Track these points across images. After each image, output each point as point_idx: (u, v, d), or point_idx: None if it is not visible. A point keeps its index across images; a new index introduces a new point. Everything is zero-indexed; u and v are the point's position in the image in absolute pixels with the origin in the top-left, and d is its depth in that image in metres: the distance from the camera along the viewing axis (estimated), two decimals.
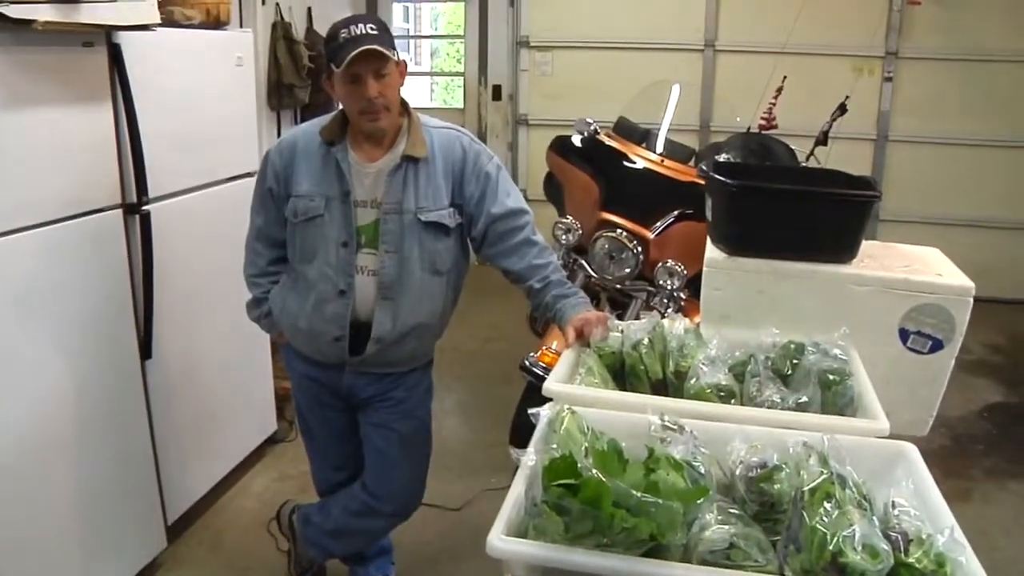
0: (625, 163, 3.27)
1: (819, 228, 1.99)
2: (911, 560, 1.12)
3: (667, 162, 3.23)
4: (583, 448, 1.31)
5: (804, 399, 1.63)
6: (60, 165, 2.21)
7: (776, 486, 1.29)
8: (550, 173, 3.63)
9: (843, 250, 2.01)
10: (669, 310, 2.92)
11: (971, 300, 1.92)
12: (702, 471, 1.30)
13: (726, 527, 1.20)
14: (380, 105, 1.98)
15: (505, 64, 6.33)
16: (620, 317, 2.53)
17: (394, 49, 1.97)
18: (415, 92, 8.31)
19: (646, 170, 3.22)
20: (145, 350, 2.59)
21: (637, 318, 2.63)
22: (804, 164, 3.49)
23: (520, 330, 3.80)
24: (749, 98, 3.78)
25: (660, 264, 2.97)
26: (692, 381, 1.70)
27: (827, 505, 1.16)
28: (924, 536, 1.16)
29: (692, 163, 3.30)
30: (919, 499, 1.29)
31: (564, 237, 3.21)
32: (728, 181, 2.03)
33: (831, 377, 1.69)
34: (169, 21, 2.64)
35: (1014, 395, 4.41)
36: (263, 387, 3.44)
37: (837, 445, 1.30)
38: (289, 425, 3.62)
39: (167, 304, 2.64)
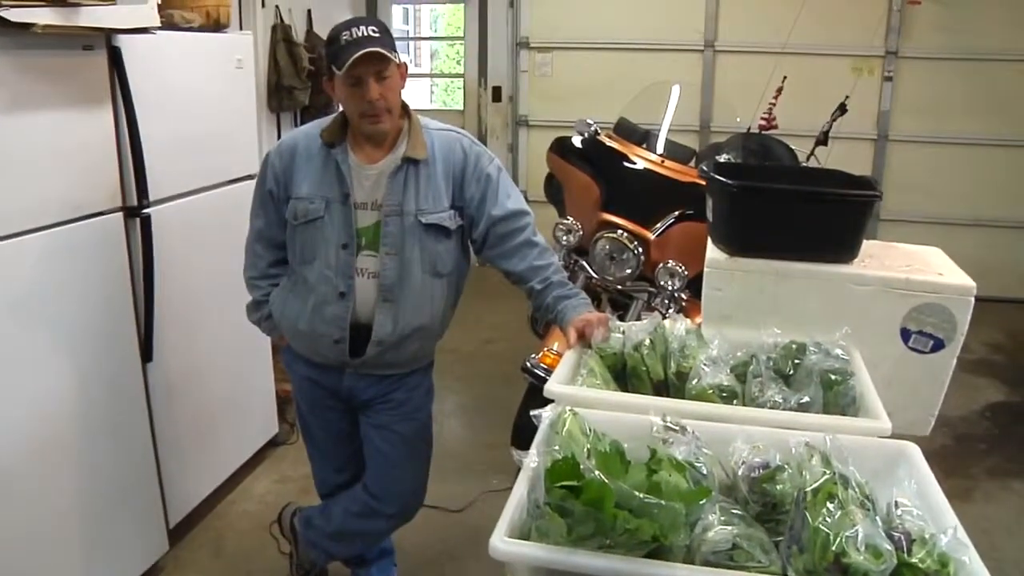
0: (625, 164, 3.27)
1: (820, 228, 1.99)
2: (914, 560, 1.12)
3: (667, 163, 3.23)
4: (585, 449, 1.31)
5: (806, 399, 1.62)
6: (60, 168, 2.21)
7: (778, 486, 1.29)
8: (550, 174, 3.64)
9: (844, 250, 2.01)
10: (670, 311, 2.92)
11: (972, 299, 1.91)
12: (704, 472, 1.30)
13: (729, 528, 1.19)
14: (381, 107, 1.98)
15: (505, 65, 6.33)
16: (621, 318, 2.53)
17: (395, 51, 1.98)
18: (415, 94, 8.33)
19: (646, 171, 3.22)
20: (146, 353, 2.59)
21: (638, 319, 2.63)
22: (804, 164, 3.49)
23: (521, 331, 3.80)
24: (749, 98, 3.78)
25: (661, 265, 2.97)
26: (694, 382, 1.70)
27: (830, 505, 1.16)
28: (927, 536, 1.16)
29: (692, 164, 3.30)
30: (922, 499, 1.29)
31: (565, 238, 3.21)
32: (729, 182, 2.02)
33: (833, 377, 1.69)
34: (169, 24, 2.64)
35: (1015, 394, 4.41)
36: (264, 390, 3.44)
37: (839, 445, 1.30)
38: (290, 427, 3.62)
39: (168, 307, 2.64)
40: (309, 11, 5.31)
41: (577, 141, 3.43)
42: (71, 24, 2.09)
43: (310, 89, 5.04)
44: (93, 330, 2.38)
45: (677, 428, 1.39)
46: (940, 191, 5.79)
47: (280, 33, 4.95)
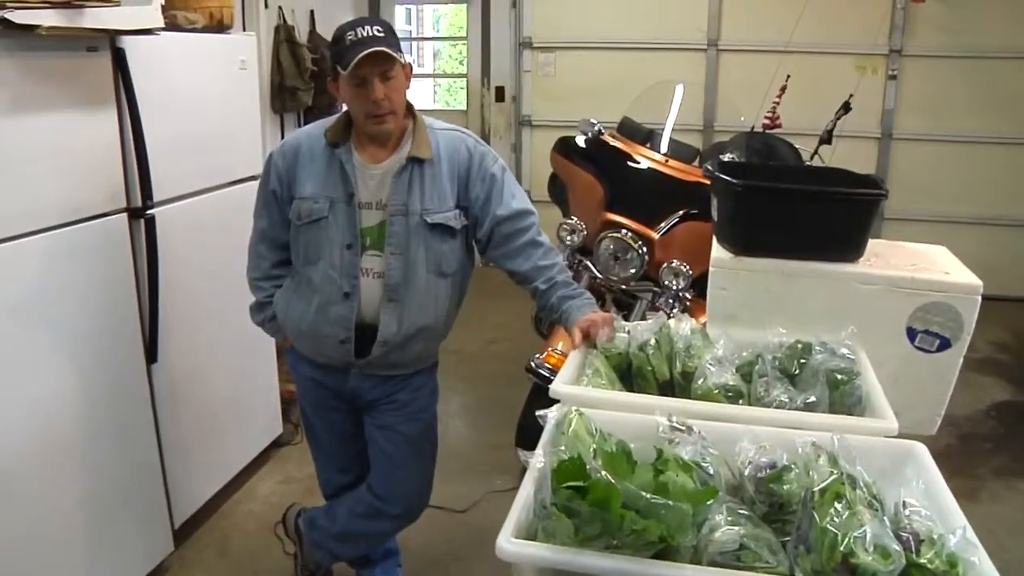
0: (629, 163, 3.26)
1: (826, 227, 1.99)
2: (923, 560, 1.12)
3: (671, 162, 3.23)
4: (591, 450, 1.31)
5: (812, 399, 1.62)
6: (65, 170, 2.21)
7: (785, 486, 1.29)
8: (554, 174, 3.64)
9: (850, 249, 2.01)
10: (675, 310, 2.91)
11: (979, 298, 1.91)
12: (711, 472, 1.30)
13: (736, 528, 1.19)
14: (386, 108, 1.98)
15: (508, 65, 6.33)
16: (625, 318, 2.52)
17: (400, 51, 1.97)
18: (418, 94, 8.32)
19: (650, 170, 3.22)
20: (150, 354, 2.59)
21: (643, 319, 2.62)
22: (808, 163, 3.49)
23: (525, 332, 3.80)
24: (753, 97, 3.78)
25: (665, 264, 2.97)
26: (699, 381, 1.70)
27: (837, 505, 1.16)
28: (935, 536, 1.16)
29: (696, 163, 3.30)
30: (929, 499, 1.29)
31: (569, 238, 3.21)
32: (734, 181, 2.02)
33: (839, 377, 1.69)
34: (172, 25, 2.64)
35: (1021, 393, 4.39)
36: (268, 390, 3.43)
37: (847, 445, 1.29)
38: (294, 428, 3.62)
39: (172, 308, 2.64)
40: (312, 12, 5.32)
41: (581, 141, 3.43)
42: (75, 26, 2.09)
43: (313, 90, 5.04)
44: (97, 331, 2.38)
45: (683, 428, 1.39)
46: (945, 189, 5.78)
47: (283, 34, 4.95)
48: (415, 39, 9.97)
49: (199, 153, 2.80)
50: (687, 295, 2.98)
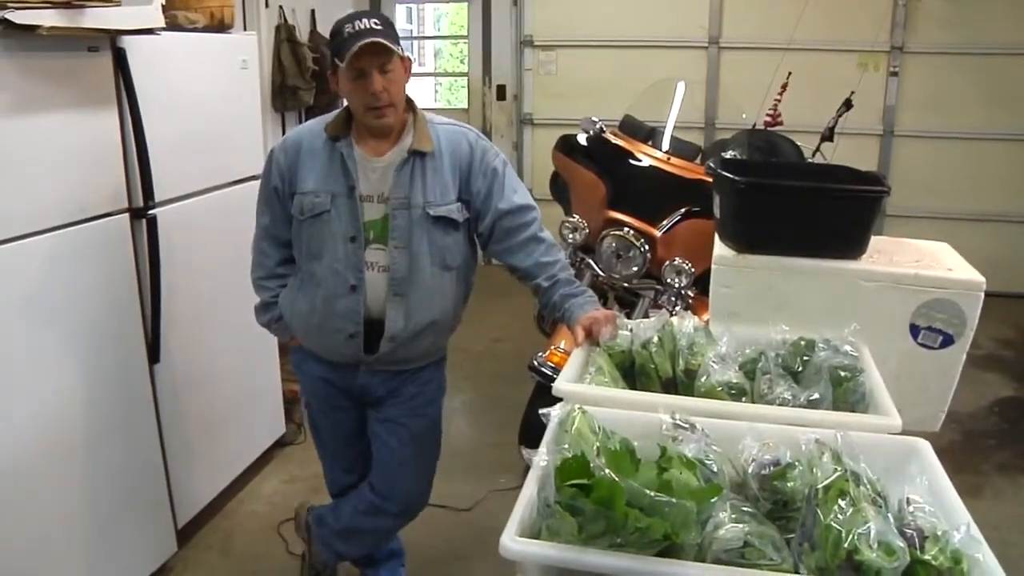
0: (631, 161, 3.26)
1: (828, 224, 1.98)
2: (927, 557, 1.12)
3: (673, 160, 3.23)
4: (595, 448, 1.31)
5: (815, 396, 1.62)
6: (66, 170, 2.21)
7: (789, 484, 1.29)
8: (556, 172, 3.63)
9: (852, 246, 2.00)
10: (677, 308, 2.91)
11: (982, 295, 1.91)
12: (715, 469, 1.30)
13: (740, 526, 1.19)
14: (385, 100, 1.98)
15: (509, 64, 6.33)
16: (628, 316, 2.53)
17: (399, 44, 1.97)
18: (419, 93, 8.32)
19: (652, 168, 3.22)
20: (153, 354, 2.59)
21: (645, 316, 2.63)
22: (810, 160, 3.48)
23: (528, 330, 3.79)
24: (754, 95, 3.78)
25: (667, 262, 2.97)
26: (702, 379, 1.70)
27: (841, 502, 1.15)
28: (939, 533, 1.15)
29: (698, 161, 3.30)
30: (933, 495, 1.29)
31: (571, 236, 3.21)
32: (736, 178, 2.02)
33: (842, 374, 1.69)
34: (173, 25, 2.64)
35: None
36: (271, 390, 3.44)
37: (850, 442, 1.29)
38: (298, 428, 3.62)
39: (174, 308, 2.64)
40: (313, 11, 5.32)
41: (582, 139, 3.43)
42: (76, 26, 2.09)
43: (314, 89, 5.04)
44: (100, 331, 2.38)
45: (686, 426, 1.39)
46: (947, 186, 5.77)
47: (284, 33, 4.96)
48: (416, 38, 9.97)
49: (200, 153, 2.80)
50: (690, 293, 2.98)
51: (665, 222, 3.04)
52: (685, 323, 1.86)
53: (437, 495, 2.45)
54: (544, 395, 2.57)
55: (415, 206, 2.06)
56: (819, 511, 1.16)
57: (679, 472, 1.24)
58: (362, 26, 1.93)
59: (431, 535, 2.84)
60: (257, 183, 2.26)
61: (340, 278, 2.09)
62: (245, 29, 4.39)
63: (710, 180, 2.21)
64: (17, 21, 1.90)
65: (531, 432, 3.01)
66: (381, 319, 2.11)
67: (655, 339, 1.82)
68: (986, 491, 3.35)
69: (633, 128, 3.45)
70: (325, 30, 4.64)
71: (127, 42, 2.35)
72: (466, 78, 6.74)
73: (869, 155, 5.71)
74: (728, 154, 3.28)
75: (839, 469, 1.22)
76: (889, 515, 1.17)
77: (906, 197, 5.52)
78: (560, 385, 1.63)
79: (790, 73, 3.73)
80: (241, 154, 3.06)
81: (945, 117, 5.68)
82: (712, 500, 1.19)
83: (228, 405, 3.08)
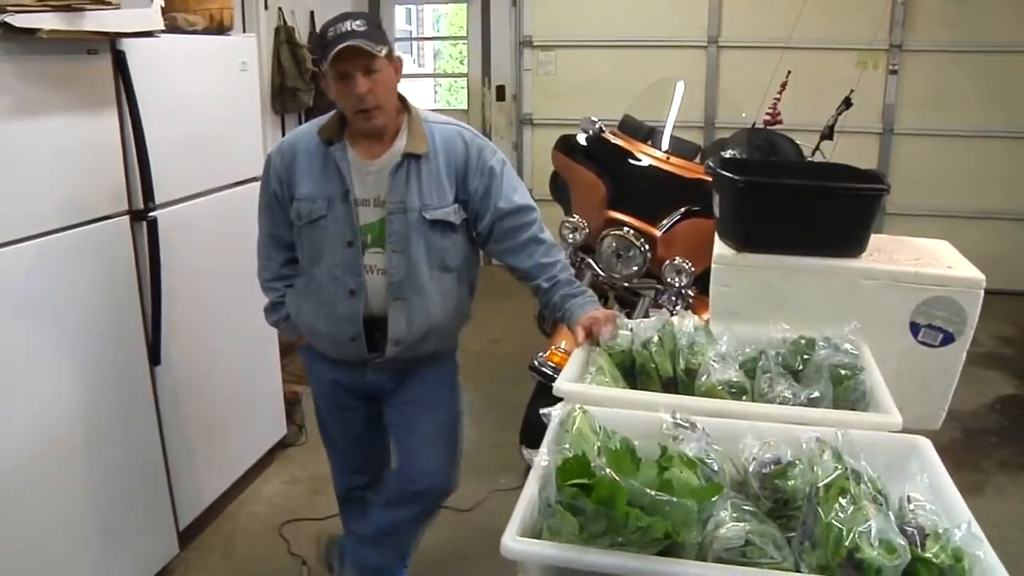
0: (631, 161, 3.26)
1: (828, 223, 1.98)
2: (928, 555, 1.12)
3: (673, 159, 3.23)
4: (596, 447, 1.30)
5: (816, 394, 1.62)
6: (66, 173, 2.22)
7: (790, 482, 1.29)
8: (556, 172, 3.64)
9: (852, 244, 2.00)
10: (678, 307, 2.91)
11: (982, 292, 1.90)
12: (715, 468, 1.30)
13: (741, 524, 1.19)
14: (371, 103, 1.95)
15: (508, 64, 6.33)
16: (628, 316, 2.53)
17: (384, 45, 1.93)
18: (419, 94, 8.32)
19: (652, 168, 3.22)
20: (154, 356, 2.59)
21: (646, 316, 2.63)
22: (810, 159, 3.49)
23: (528, 330, 3.79)
24: (753, 94, 3.78)
25: (668, 262, 2.97)
26: (703, 378, 1.70)
27: (842, 500, 1.15)
28: (940, 531, 1.16)
29: (698, 160, 3.30)
30: (934, 493, 1.29)
31: (571, 236, 3.21)
32: (736, 177, 2.02)
33: (842, 372, 1.69)
34: (173, 27, 2.64)
35: None
36: (272, 391, 3.44)
37: (851, 440, 1.29)
38: (299, 429, 3.62)
39: (175, 309, 2.65)
40: (312, 13, 5.32)
41: (582, 139, 3.43)
42: (76, 29, 2.09)
43: (314, 90, 5.05)
44: (101, 333, 2.38)
45: (687, 425, 1.39)
46: (946, 184, 5.77)
47: (283, 35, 4.96)
48: (415, 39, 9.98)
49: (200, 155, 2.80)
50: (690, 292, 2.99)
51: (665, 221, 3.04)
52: (685, 322, 1.86)
53: None
54: (545, 395, 2.57)
55: (411, 210, 2.05)
56: (820, 509, 1.16)
57: (680, 471, 1.24)
58: (345, 28, 1.90)
59: (433, 536, 2.82)
60: (257, 185, 2.27)
61: (339, 282, 2.09)
62: (244, 31, 4.39)
63: (710, 179, 2.21)
64: (17, 24, 1.91)
65: (532, 432, 3.01)
66: (384, 318, 2.11)
67: (655, 338, 1.82)
68: (987, 489, 3.35)
69: (633, 128, 3.45)
70: None
71: (127, 45, 2.36)
72: (465, 79, 6.75)
73: (869, 153, 5.71)
74: (728, 153, 3.28)
75: (840, 467, 1.22)
76: (890, 513, 1.18)
77: (906, 195, 5.52)
78: (561, 385, 1.63)
79: (789, 72, 3.73)
80: (241, 156, 3.06)
81: (945, 115, 5.68)
82: (713, 499, 1.19)
83: (229, 407, 3.08)
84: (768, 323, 1.86)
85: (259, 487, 3.31)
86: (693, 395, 1.69)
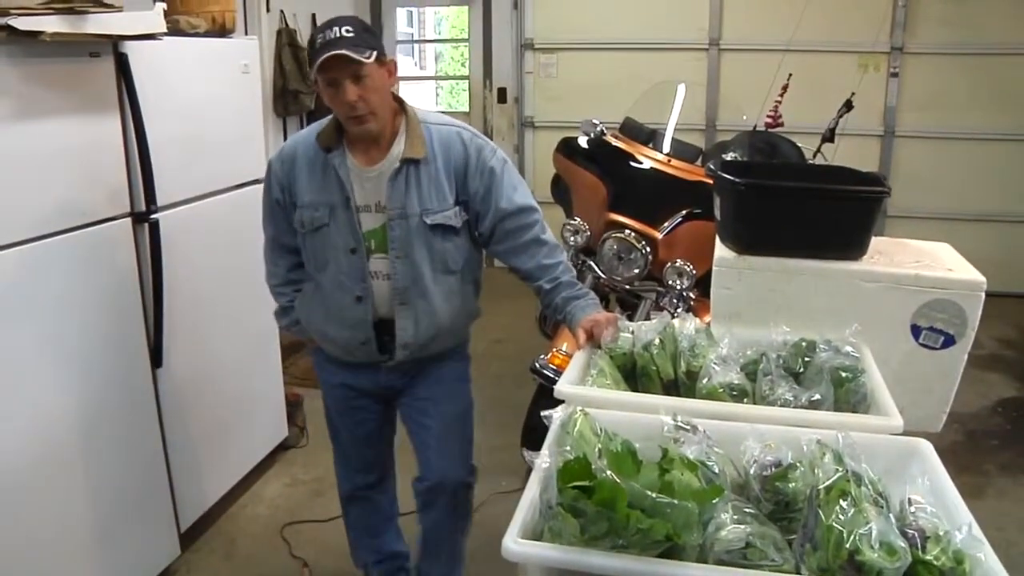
0: (632, 163, 3.26)
1: (829, 225, 1.98)
2: (929, 557, 1.12)
3: (674, 162, 3.23)
4: (597, 449, 1.30)
5: (817, 397, 1.62)
6: (68, 175, 2.22)
7: (791, 484, 1.29)
8: (557, 175, 3.64)
9: (853, 247, 2.00)
10: (679, 310, 2.92)
11: (983, 295, 1.90)
12: (716, 471, 1.30)
13: (742, 527, 1.19)
14: (362, 110, 1.93)
15: (510, 67, 6.34)
16: (630, 318, 2.53)
17: (373, 50, 1.90)
18: (420, 96, 8.33)
19: (653, 170, 3.22)
20: (156, 358, 2.60)
21: (647, 318, 2.62)
22: (811, 161, 3.48)
23: (529, 332, 3.79)
24: (755, 96, 3.78)
25: (669, 264, 2.97)
26: (704, 381, 1.70)
27: (843, 503, 1.15)
28: (941, 533, 1.15)
29: (699, 162, 3.30)
30: (935, 496, 1.28)
31: (572, 239, 3.21)
32: (737, 180, 2.02)
33: (843, 374, 1.69)
34: (175, 30, 2.65)
35: None
36: (274, 393, 3.44)
37: (852, 442, 1.29)
38: (300, 431, 3.63)
39: (177, 312, 2.65)
40: (314, 15, 5.33)
41: (583, 141, 3.43)
42: (79, 31, 2.10)
43: (316, 93, 5.05)
44: (102, 336, 2.38)
45: (688, 427, 1.39)
46: (947, 187, 5.78)
47: (285, 37, 4.98)
48: (417, 41, 9.99)
49: (202, 157, 2.81)
50: (691, 294, 2.98)
51: (666, 224, 3.04)
52: (686, 325, 1.86)
53: None
54: (546, 397, 2.57)
55: (412, 215, 2.04)
56: (821, 512, 1.16)
57: (681, 473, 1.24)
58: (332, 35, 1.87)
59: None
60: (258, 187, 2.27)
61: (346, 289, 2.10)
62: (246, 34, 4.40)
63: (711, 182, 2.20)
64: (20, 27, 1.91)
65: (533, 434, 3.01)
66: (393, 322, 2.12)
67: (656, 341, 1.82)
68: (988, 492, 3.35)
69: (634, 130, 3.45)
70: None
71: (129, 47, 2.36)
72: (467, 81, 6.76)
73: (870, 156, 5.72)
74: (729, 156, 3.28)
75: (840, 470, 1.22)
76: (891, 515, 1.17)
77: (907, 198, 5.53)
78: (562, 387, 1.63)
79: (790, 74, 3.73)
80: (243, 158, 3.07)
81: (946, 118, 5.69)
82: (714, 501, 1.19)
83: (230, 409, 3.09)
84: (769, 326, 1.86)
85: (260, 489, 3.31)
86: (694, 397, 1.69)
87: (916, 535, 1.15)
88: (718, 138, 5.03)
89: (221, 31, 2.91)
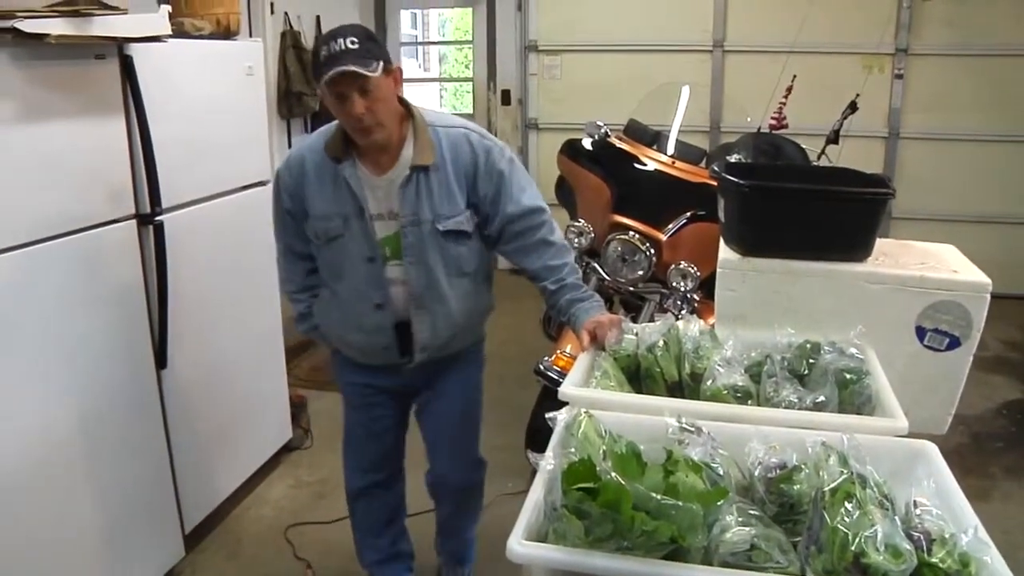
0: (636, 165, 3.27)
1: (833, 227, 1.98)
2: (935, 560, 1.11)
3: (678, 163, 3.23)
4: (601, 451, 1.31)
5: (821, 399, 1.62)
6: (73, 177, 2.23)
7: (796, 487, 1.29)
8: (561, 177, 3.64)
9: (858, 248, 2.00)
10: (683, 312, 2.91)
11: (988, 296, 1.90)
12: (721, 472, 1.30)
13: (746, 529, 1.19)
14: (369, 121, 1.92)
15: (514, 68, 6.34)
16: (634, 320, 2.53)
17: (378, 60, 1.88)
18: (424, 98, 8.35)
19: (657, 172, 3.22)
20: (160, 359, 2.60)
21: (651, 320, 2.62)
22: (816, 163, 3.48)
23: (534, 334, 3.80)
24: (759, 98, 3.77)
25: (673, 266, 2.97)
26: (708, 382, 1.70)
27: (848, 505, 1.15)
28: (947, 536, 1.15)
29: (703, 164, 3.30)
30: (941, 498, 1.28)
31: (576, 240, 3.21)
32: (741, 182, 2.02)
33: (848, 376, 1.68)
34: (180, 32, 2.65)
35: None
36: (278, 395, 3.44)
37: (857, 444, 1.29)
38: (305, 433, 3.63)
39: (181, 313, 2.65)
40: (318, 17, 5.34)
41: (587, 143, 3.43)
42: (84, 34, 2.10)
43: (319, 95, 5.06)
44: (107, 337, 2.39)
45: (692, 429, 1.39)
46: (952, 188, 5.76)
47: (289, 39, 4.99)
48: (421, 43, 10.00)
49: (207, 159, 2.81)
50: (695, 296, 2.98)
51: (670, 226, 3.04)
52: (691, 327, 1.86)
53: None
54: (550, 399, 2.56)
55: (424, 222, 2.05)
56: (826, 514, 1.16)
57: (685, 475, 1.24)
58: (337, 48, 1.85)
59: None
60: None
61: (364, 297, 2.11)
62: (251, 36, 4.41)
63: (715, 184, 2.20)
64: (26, 30, 1.92)
65: (537, 436, 3.02)
66: (410, 324, 2.15)
67: (661, 343, 1.82)
68: (994, 494, 3.34)
69: (638, 132, 3.45)
70: None
71: (134, 49, 2.37)
72: (471, 83, 6.76)
73: (874, 157, 5.70)
74: (733, 157, 3.28)
75: (845, 472, 1.22)
76: (896, 518, 1.17)
77: (911, 199, 5.52)
78: (566, 389, 1.63)
79: (795, 76, 3.72)
80: (247, 160, 3.07)
81: (950, 119, 5.67)
82: (718, 503, 1.19)
83: (235, 410, 3.09)
84: (773, 327, 1.86)
85: (265, 490, 3.31)
86: (698, 399, 1.68)
87: (922, 537, 1.15)
88: (722, 140, 5.02)
89: (225, 33, 2.92)
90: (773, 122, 3.58)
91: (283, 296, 2.44)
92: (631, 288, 3.15)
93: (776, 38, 5.03)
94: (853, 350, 1.76)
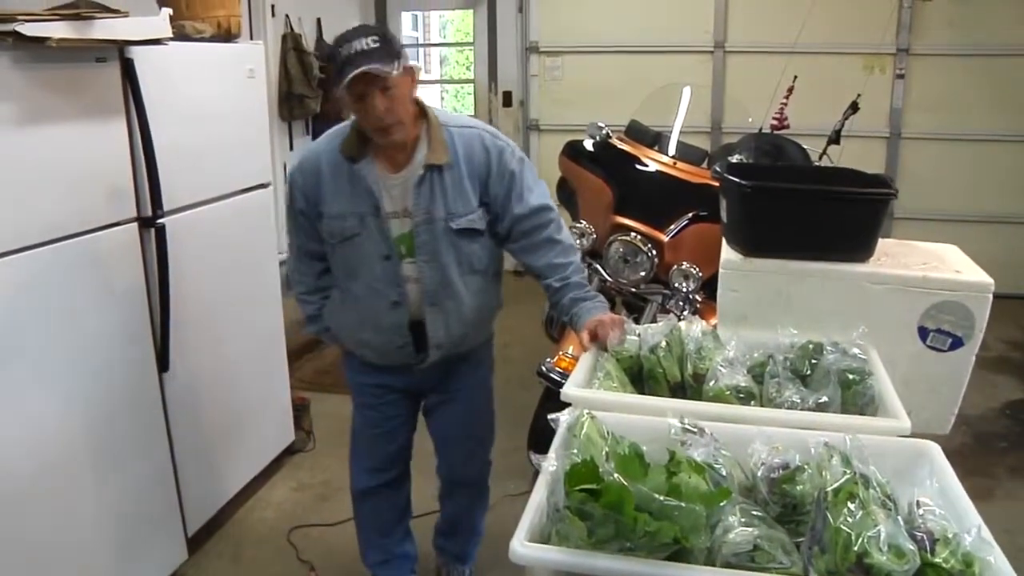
0: (638, 166, 3.26)
1: (836, 227, 1.98)
2: (938, 560, 1.11)
3: (680, 164, 3.23)
4: (604, 452, 1.31)
5: (824, 399, 1.62)
6: (74, 180, 2.23)
7: (799, 487, 1.29)
8: (563, 178, 3.63)
9: (860, 249, 2.00)
10: (685, 313, 2.91)
11: (991, 296, 1.90)
12: (723, 473, 1.30)
13: (750, 529, 1.19)
14: (389, 120, 1.94)
15: (515, 70, 6.34)
16: (636, 321, 2.53)
17: (397, 60, 1.90)
18: (426, 100, 8.34)
19: (659, 173, 3.22)
20: (162, 362, 2.60)
21: (653, 321, 2.62)
22: (817, 163, 3.48)
23: (536, 335, 3.79)
24: (760, 98, 3.77)
25: (675, 267, 2.97)
26: (711, 383, 1.70)
27: (851, 505, 1.15)
28: (950, 536, 1.15)
29: (705, 165, 3.29)
30: (944, 498, 1.28)
31: (578, 242, 3.20)
32: (743, 182, 2.02)
33: (850, 376, 1.69)
34: (181, 35, 2.65)
35: None
36: (280, 397, 3.44)
37: (859, 445, 1.29)
38: (307, 435, 3.63)
39: (183, 316, 2.65)
40: (319, 20, 5.35)
41: (589, 144, 3.43)
42: (85, 37, 2.10)
43: (321, 97, 5.06)
44: (109, 340, 2.39)
45: (695, 430, 1.39)
46: (954, 188, 5.76)
47: (290, 42, 4.99)
48: (422, 45, 10.00)
49: (208, 161, 2.81)
50: (697, 297, 2.98)
51: (672, 227, 3.04)
52: (693, 327, 1.86)
53: None
54: (552, 400, 2.56)
55: (437, 220, 2.06)
56: (829, 514, 1.16)
57: (688, 476, 1.24)
58: (356, 48, 1.86)
59: None
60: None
61: (380, 295, 2.12)
62: (252, 38, 4.42)
63: (717, 184, 2.21)
64: (27, 33, 1.92)
65: (540, 437, 3.02)
66: (424, 323, 2.16)
67: (663, 344, 1.82)
68: (997, 494, 3.34)
69: (639, 133, 3.45)
70: (331, 38, 4.64)
71: (135, 52, 2.37)
72: (472, 85, 6.76)
73: (876, 158, 5.70)
74: (734, 158, 3.28)
75: (848, 472, 1.22)
76: (899, 518, 1.17)
77: (913, 199, 5.51)
78: (568, 390, 1.63)
79: (796, 76, 3.71)
80: (248, 162, 3.07)
81: (952, 119, 5.67)
82: (721, 504, 1.19)
83: (237, 413, 3.09)
84: (776, 328, 1.86)
85: (267, 493, 3.31)
86: (701, 400, 1.68)
87: (925, 538, 1.14)
88: (724, 140, 5.02)
89: (226, 36, 2.92)
90: (774, 123, 3.57)
91: (285, 299, 2.44)
92: (633, 289, 3.15)
93: (777, 39, 5.02)
94: (856, 350, 1.76)
